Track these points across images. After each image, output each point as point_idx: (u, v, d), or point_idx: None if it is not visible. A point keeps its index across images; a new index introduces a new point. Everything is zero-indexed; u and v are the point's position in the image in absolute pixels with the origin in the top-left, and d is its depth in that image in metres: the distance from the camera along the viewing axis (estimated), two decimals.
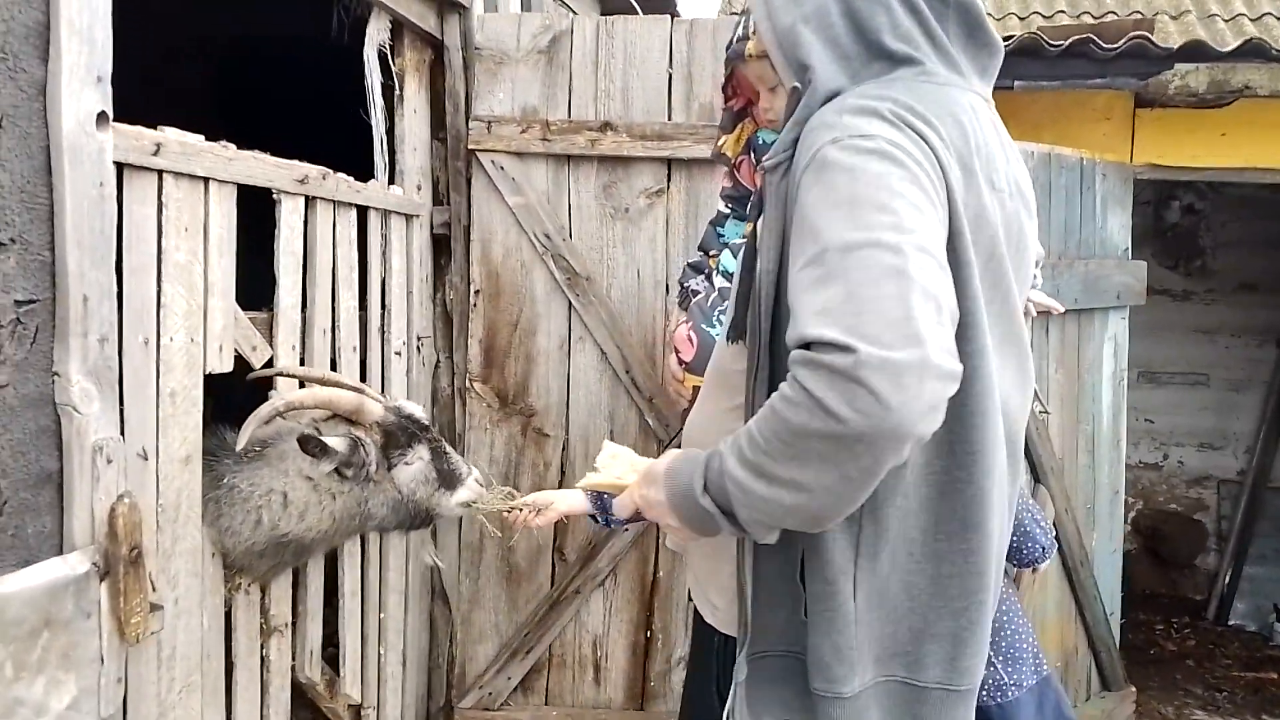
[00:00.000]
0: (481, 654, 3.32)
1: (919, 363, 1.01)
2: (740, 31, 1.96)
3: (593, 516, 2.36)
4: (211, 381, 2.19)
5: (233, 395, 2.36)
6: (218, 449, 2.26)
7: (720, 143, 2.19)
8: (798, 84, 1.38)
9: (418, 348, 3.20)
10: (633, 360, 3.15)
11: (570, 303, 3.19)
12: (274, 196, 2.43)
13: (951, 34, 1.40)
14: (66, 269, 1.57)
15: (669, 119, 3.12)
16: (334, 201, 2.66)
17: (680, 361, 2.13)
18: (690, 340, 2.08)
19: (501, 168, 3.15)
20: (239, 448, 2.11)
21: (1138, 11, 4.90)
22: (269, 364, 2.43)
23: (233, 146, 2.24)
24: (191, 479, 2.15)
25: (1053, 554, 2.30)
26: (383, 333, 2.98)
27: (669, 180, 3.14)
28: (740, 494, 1.15)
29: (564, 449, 3.26)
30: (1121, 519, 4.02)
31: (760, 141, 2.10)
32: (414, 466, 2.25)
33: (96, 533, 1.66)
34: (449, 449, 2.33)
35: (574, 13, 4.51)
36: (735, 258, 2.12)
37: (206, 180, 2.14)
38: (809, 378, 1.05)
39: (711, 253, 2.31)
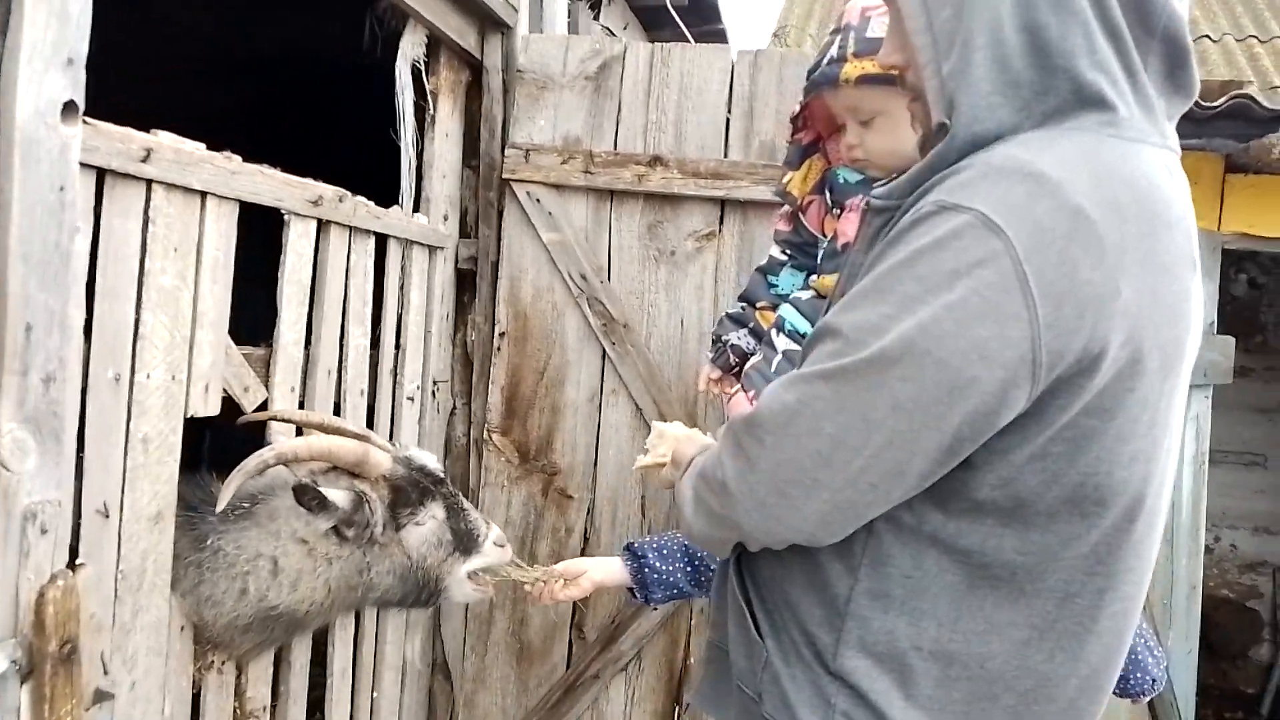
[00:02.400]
0: None
1: (748, 508, 1.12)
2: (836, 51, 1.65)
3: (630, 590, 2.02)
4: (198, 424, 1.88)
5: (228, 440, 2.06)
6: (202, 504, 1.94)
7: (786, 180, 1.89)
8: (946, 120, 1.09)
9: (433, 393, 2.88)
10: (671, 418, 2.80)
11: (605, 351, 2.87)
12: (283, 218, 2.14)
13: (1151, 69, 1.09)
14: (5, 289, 1.26)
15: (725, 156, 2.82)
16: (350, 227, 2.37)
17: None
18: None
19: (538, 200, 2.85)
20: (220, 507, 1.78)
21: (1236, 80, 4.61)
22: (263, 407, 2.11)
23: (237, 158, 1.95)
24: (161, 539, 1.83)
25: (1163, 687, 1.93)
26: (395, 375, 2.67)
27: (721, 223, 2.84)
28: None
29: (589, 513, 2.92)
30: (1198, 616, 3.64)
31: (841, 181, 1.79)
32: (426, 527, 1.93)
33: (20, 622, 1.34)
34: (467, 505, 2.00)
35: (621, 40, 4.25)
36: (801, 314, 1.79)
37: (204, 195, 1.86)
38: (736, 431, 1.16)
39: (760, 305, 1.98)
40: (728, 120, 2.84)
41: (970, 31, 1.06)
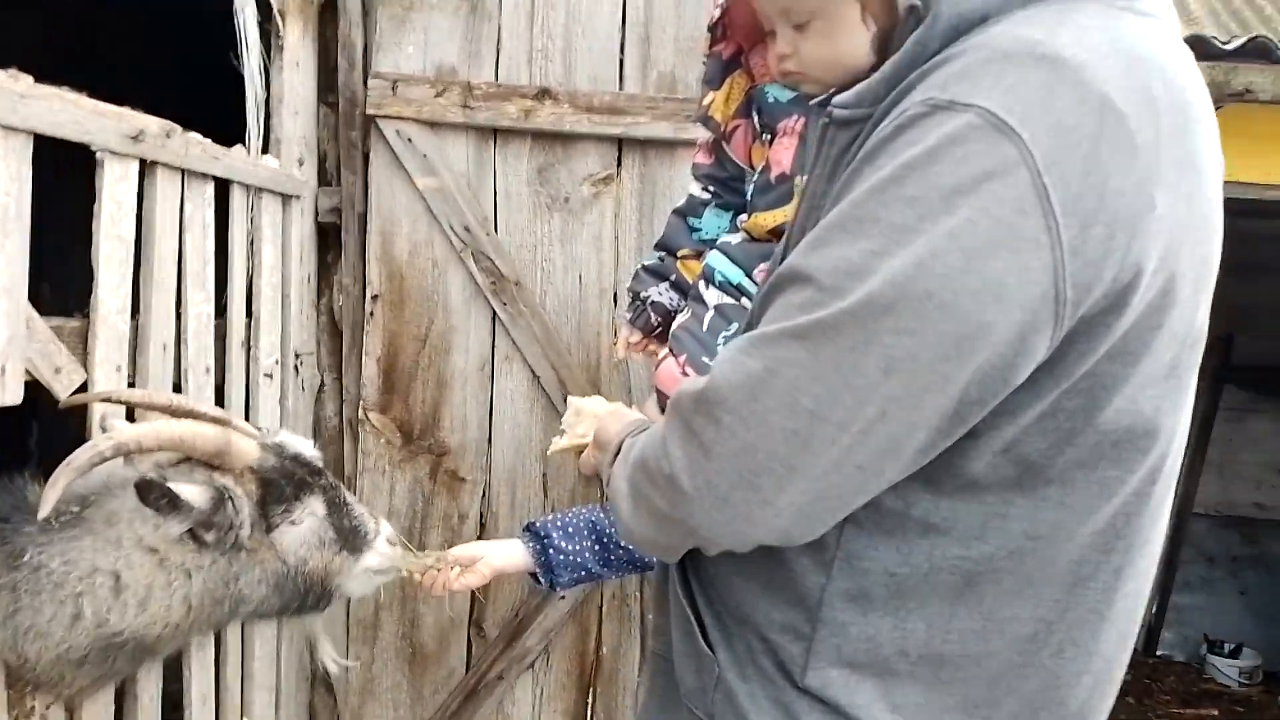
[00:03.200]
0: None
1: (706, 507, 0.89)
2: None
3: (534, 575, 1.79)
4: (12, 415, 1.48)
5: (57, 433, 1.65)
6: (14, 511, 1.54)
7: (706, 101, 1.61)
8: (918, 1, 0.88)
9: (295, 367, 2.49)
10: (572, 386, 2.53)
11: (495, 313, 2.54)
12: (95, 156, 1.72)
13: None
14: None
15: (620, 88, 2.52)
16: (182, 170, 1.95)
17: None
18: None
19: (409, 140, 2.48)
20: (42, 513, 1.40)
21: None
22: (84, 390, 1.71)
23: (27, 78, 1.52)
24: None
25: None
26: (248, 348, 2.26)
27: (619, 164, 2.55)
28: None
29: (484, 496, 2.61)
30: None
31: (771, 100, 1.52)
32: (303, 526, 1.59)
33: None
34: (350, 499, 1.68)
35: None
36: (732, 261, 1.52)
37: None
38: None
39: (681, 253, 1.71)
40: (622, 48, 2.53)
41: None
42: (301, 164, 2.48)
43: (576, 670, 2.64)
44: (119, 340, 1.81)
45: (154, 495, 1.38)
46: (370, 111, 2.47)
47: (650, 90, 2.52)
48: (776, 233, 1.45)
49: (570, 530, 1.79)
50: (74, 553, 1.51)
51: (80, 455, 1.40)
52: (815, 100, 1.43)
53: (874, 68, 1.14)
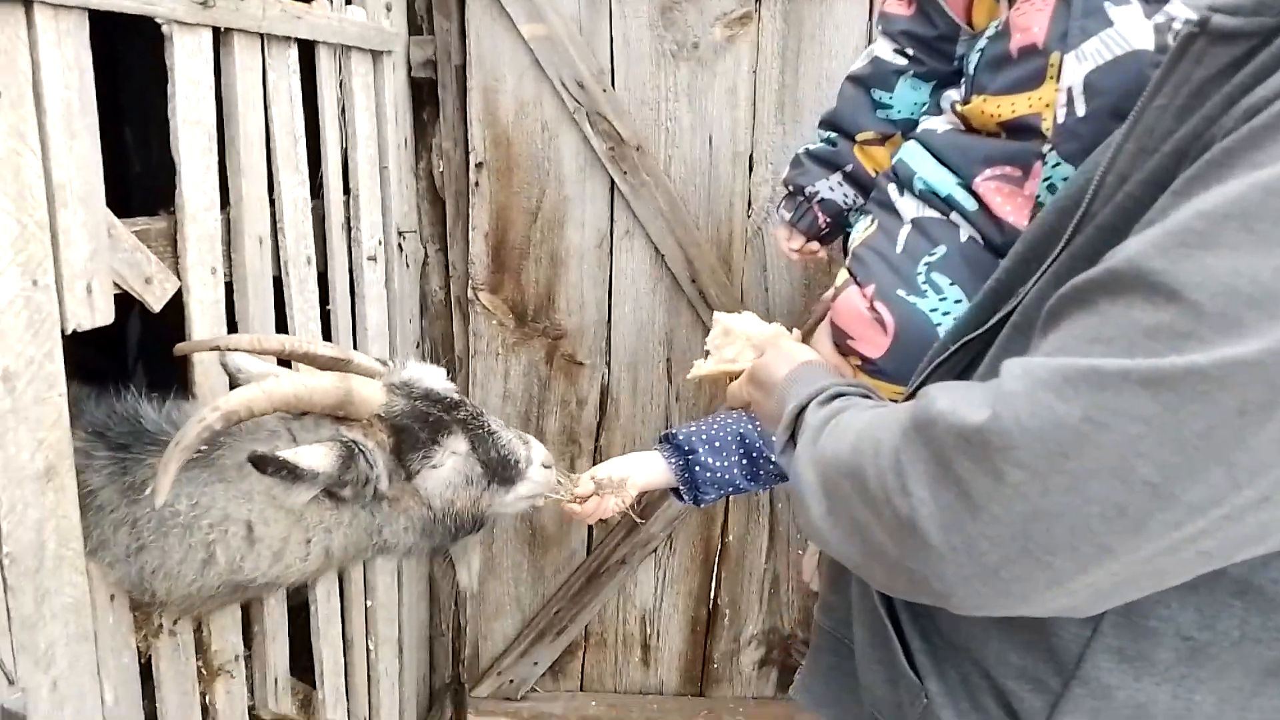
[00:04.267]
0: (499, 632, 2.60)
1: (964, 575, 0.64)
2: None
3: (675, 492, 1.62)
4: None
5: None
6: (132, 440, 1.44)
7: None
8: None
9: (399, 245, 2.28)
10: (700, 265, 2.27)
11: (614, 183, 2.26)
12: (161, 29, 1.48)
13: None
14: None
15: None
16: (261, 35, 1.69)
17: (855, 356, 1.22)
18: (881, 321, 1.17)
19: None
20: (159, 501, 1.27)
21: None
22: (179, 301, 1.55)
23: None
24: (60, 501, 1.35)
25: None
26: (349, 229, 2.06)
27: (759, 0, 2.16)
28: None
29: (604, 383, 2.42)
30: None
31: None
32: (446, 467, 1.45)
33: None
34: (494, 425, 1.52)
35: None
36: (938, 160, 1.18)
37: (28, 2, 1.21)
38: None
39: (861, 136, 1.36)
40: None
41: None
42: (390, 10, 2.17)
43: (701, 555, 2.53)
44: (210, 239, 1.63)
45: (272, 469, 1.22)
46: None
47: None
48: (1011, 126, 1.11)
49: (717, 445, 1.60)
50: (205, 498, 1.39)
51: (189, 433, 1.24)
52: None
53: None
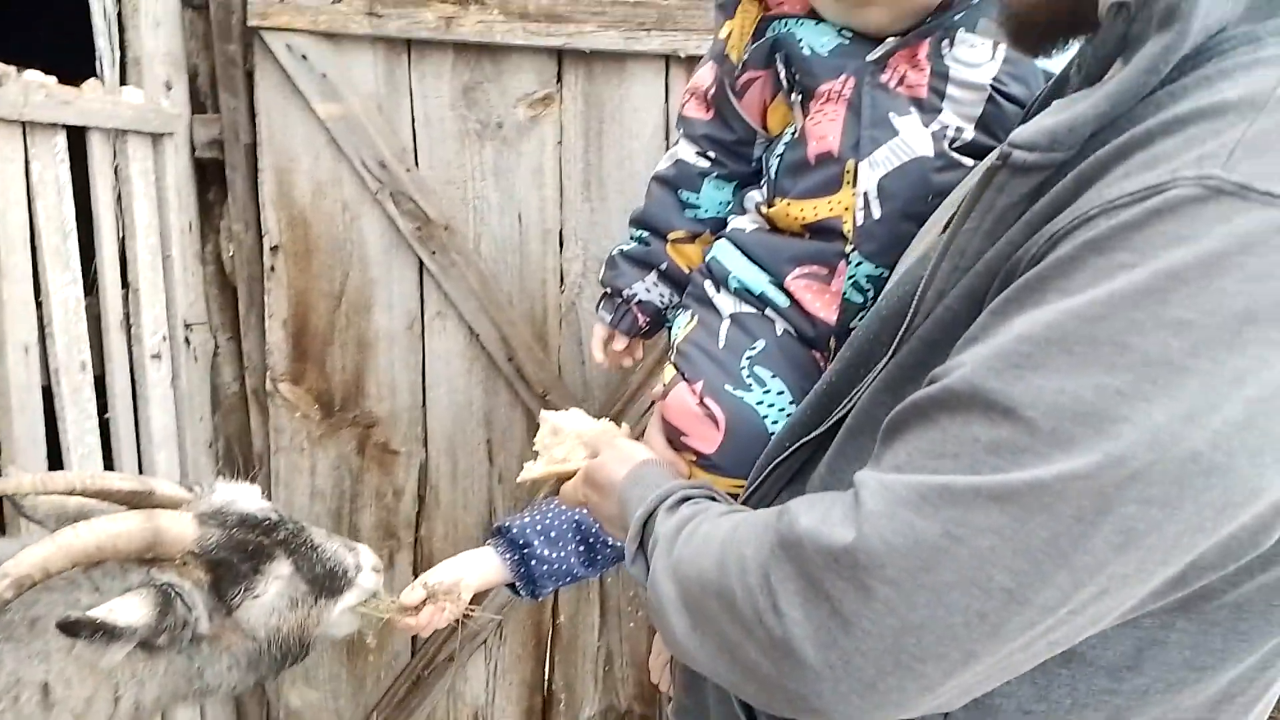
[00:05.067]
0: None
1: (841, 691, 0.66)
2: None
3: (512, 587, 1.55)
4: None
5: None
6: None
7: (724, 34, 1.27)
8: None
9: (186, 339, 2.10)
10: (516, 343, 2.23)
11: (422, 263, 2.19)
12: None
13: None
14: None
15: None
16: (23, 123, 1.51)
17: (689, 452, 1.23)
18: (712, 417, 1.18)
19: (304, 57, 2.04)
20: None
21: None
22: None
23: None
24: None
25: None
26: (128, 328, 1.87)
27: (560, 80, 2.18)
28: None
29: (422, 470, 2.31)
30: None
31: (806, 50, 1.18)
32: (270, 594, 1.31)
33: None
34: (317, 539, 1.39)
35: None
36: (749, 258, 1.22)
37: None
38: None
39: (674, 235, 1.39)
40: None
41: None
42: (170, 89, 2.01)
43: (533, 640, 2.45)
44: None
45: (84, 633, 1.06)
46: (253, 22, 2.00)
47: None
48: (814, 228, 1.16)
49: (553, 535, 1.55)
50: None
51: None
52: (874, 55, 1.14)
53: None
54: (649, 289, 1.41)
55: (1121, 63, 0.70)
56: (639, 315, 1.42)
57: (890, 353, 0.77)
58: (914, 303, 0.76)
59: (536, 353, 2.26)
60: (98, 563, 1.15)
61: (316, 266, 2.17)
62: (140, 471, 1.90)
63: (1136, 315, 0.57)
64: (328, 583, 1.37)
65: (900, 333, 0.76)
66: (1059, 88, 1.01)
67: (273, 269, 2.16)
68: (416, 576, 2.24)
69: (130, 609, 1.11)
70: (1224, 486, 0.57)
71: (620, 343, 1.45)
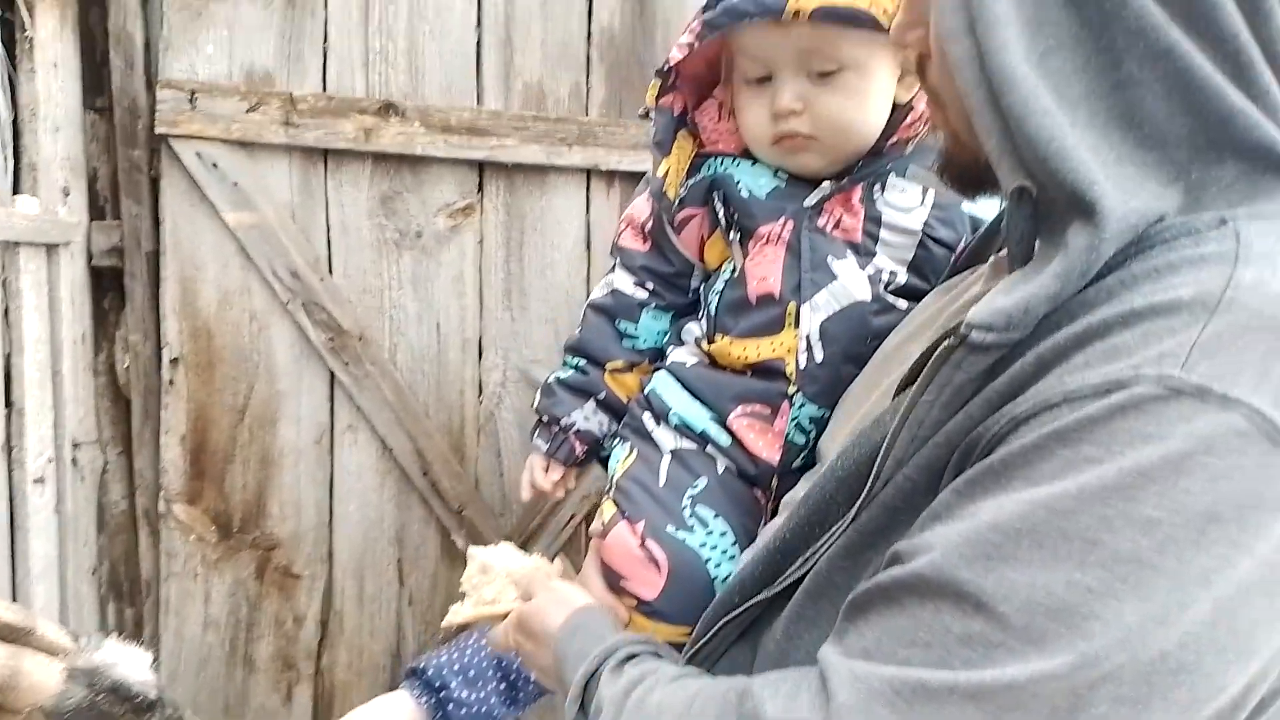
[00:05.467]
0: None
1: None
2: None
3: None
4: None
5: None
6: None
7: (661, 172, 1.26)
8: (1028, 184, 0.69)
9: (73, 459, 1.95)
10: (432, 456, 2.15)
11: (333, 375, 2.10)
12: None
13: None
14: None
15: (479, 102, 2.13)
16: None
17: (629, 597, 1.17)
18: (654, 560, 1.13)
19: (215, 165, 1.97)
20: None
21: None
22: None
23: None
24: None
25: None
26: (8, 451, 1.72)
27: (481, 191, 2.16)
28: None
29: (326, 594, 2.17)
30: None
31: (743, 192, 1.18)
32: None
33: None
34: None
35: None
36: (690, 393, 1.20)
37: None
38: None
39: (611, 365, 1.36)
40: (479, 52, 2.13)
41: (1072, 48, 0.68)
42: (68, 194, 1.91)
43: None
44: None
45: None
46: (161, 130, 1.93)
47: (516, 105, 2.14)
48: (757, 368, 1.14)
49: (471, 674, 1.44)
50: None
51: None
52: (811, 200, 1.15)
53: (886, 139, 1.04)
54: (587, 417, 1.37)
55: (1042, 242, 0.71)
56: (577, 444, 1.37)
57: (852, 517, 0.75)
58: (874, 468, 0.75)
59: (453, 465, 2.17)
60: None
61: (219, 379, 2.06)
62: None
63: (1106, 512, 0.58)
64: None
65: (860, 499, 0.74)
66: (988, 237, 1.03)
67: (171, 382, 2.04)
68: (316, 712, 2.10)
69: None
70: (1190, 685, 0.58)
71: (556, 472, 1.40)
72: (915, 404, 0.72)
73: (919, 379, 0.72)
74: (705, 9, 1.12)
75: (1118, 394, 0.59)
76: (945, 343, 0.70)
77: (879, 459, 0.74)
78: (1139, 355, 0.60)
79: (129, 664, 1.16)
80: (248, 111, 1.97)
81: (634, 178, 2.18)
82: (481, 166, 2.14)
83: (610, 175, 2.19)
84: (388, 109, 2.04)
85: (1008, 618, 0.59)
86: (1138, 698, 0.57)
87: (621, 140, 2.16)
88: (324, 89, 2.04)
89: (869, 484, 0.74)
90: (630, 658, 0.88)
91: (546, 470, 1.38)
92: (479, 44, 2.13)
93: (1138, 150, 0.67)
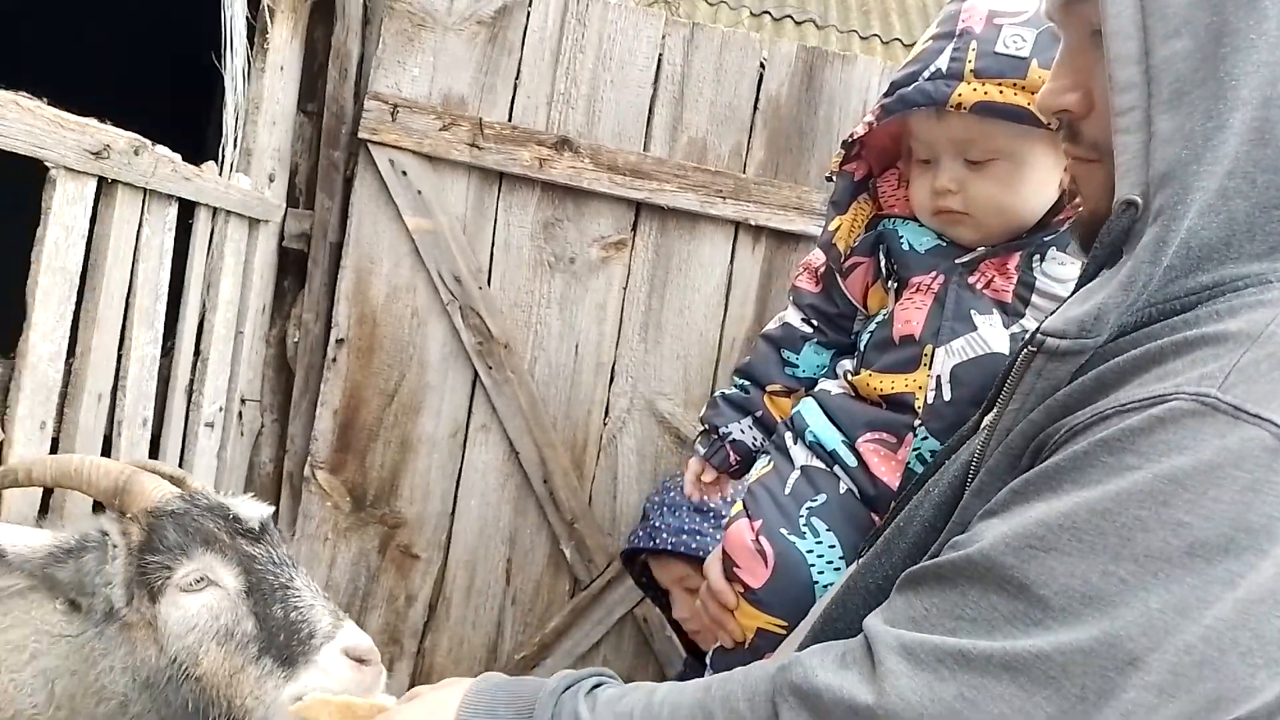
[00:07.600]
0: None
1: None
2: (947, 63, 1.18)
3: None
4: None
5: None
6: None
7: (833, 227, 1.38)
8: (1137, 197, 0.74)
9: (239, 413, 2.16)
10: (554, 466, 2.28)
11: (477, 375, 2.27)
12: (48, 173, 1.41)
13: None
14: None
15: (645, 149, 2.29)
16: (146, 190, 1.63)
17: (738, 583, 1.27)
18: (763, 553, 1.23)
19: (404, 173, 2.19)
20: None
21: None
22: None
23: None
24: None
25: None
26: (191, 394, 1.94)
27: (635, 229, 2.31)
28: None
29: (438, 579, 2.32)
30: None
31: (906, 246, 1.29)
32: (200, 599, 1.13)
33: None
34: (298, 581, 1.18)
35: None
36: (829, 418, 1.30)
37: None
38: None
39: (771, 388, 1.47)
40: (652, 105, 2.30)
41: (1229, 80, 0.70)
42: (273, 180, 2.16)
43: None
44: (47, 391, 1.50)
45: None
46: (363, 135, 2.16)
47: (679, 155, 2.30)
48: (890, 400, 1.24)
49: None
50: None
51: None
52: (964, 259, 1.24)
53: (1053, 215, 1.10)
54: (743, 430, 1.50)
55: (1126, 253, 0.76)
56: (731, 453, 1.49)
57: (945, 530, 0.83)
58: (963, 469, 0.83)
59: (572, 479, 2.30)
60: (76, 488, 1.17)
61: (376, 364, 2.26)
62: None
63: (1141, 513, 0.65)
64: (282, 641, 1.11)
65: (954, 514, 0.82)
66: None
67: (334, 360, 2.24)
68: (412, 688, 2.23)
69: (35, 538, 1.11)
70: (1215, 680, 0.64)
71: (710, 475, 1.52)
72: (1002, 415, 0.79)
73: (1003, 392, 0.80)
74: (885, 94, 1.25)
75: (1158, 407, 0.66)
76: (1024, 352, 0.77)
77: (970, 474, 0.82)
78: (1184, 376, 0.67)
79: (244, 503, 1.27)
80: (440, 130, 2.19)
81: (780, 235, 2.30)
82: (639, 206, 2.30)
83: (758, 230, 2.31)
84: (563, 144, 2.23)
85: (1047, 600, 0.66)
86: (1164, 686, 0.63)
87: (774, 199, 2.28)
88: (509, 119, 2.25)
89: (959, 475, 0.82)
90: (599, 684, 0.87)
91: (702, 473, 1.51)
92: (653, 97, 2.30)
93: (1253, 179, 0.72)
